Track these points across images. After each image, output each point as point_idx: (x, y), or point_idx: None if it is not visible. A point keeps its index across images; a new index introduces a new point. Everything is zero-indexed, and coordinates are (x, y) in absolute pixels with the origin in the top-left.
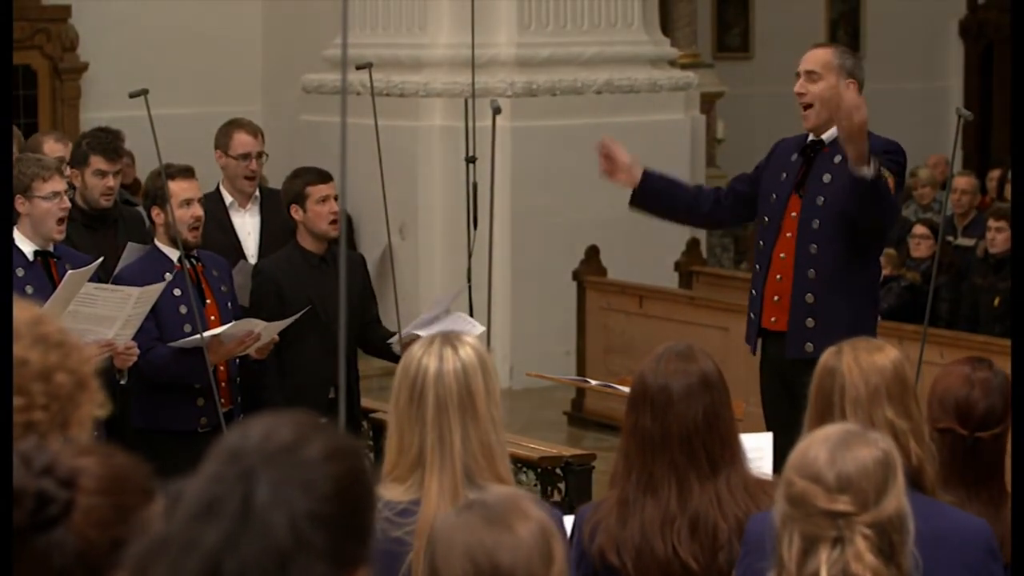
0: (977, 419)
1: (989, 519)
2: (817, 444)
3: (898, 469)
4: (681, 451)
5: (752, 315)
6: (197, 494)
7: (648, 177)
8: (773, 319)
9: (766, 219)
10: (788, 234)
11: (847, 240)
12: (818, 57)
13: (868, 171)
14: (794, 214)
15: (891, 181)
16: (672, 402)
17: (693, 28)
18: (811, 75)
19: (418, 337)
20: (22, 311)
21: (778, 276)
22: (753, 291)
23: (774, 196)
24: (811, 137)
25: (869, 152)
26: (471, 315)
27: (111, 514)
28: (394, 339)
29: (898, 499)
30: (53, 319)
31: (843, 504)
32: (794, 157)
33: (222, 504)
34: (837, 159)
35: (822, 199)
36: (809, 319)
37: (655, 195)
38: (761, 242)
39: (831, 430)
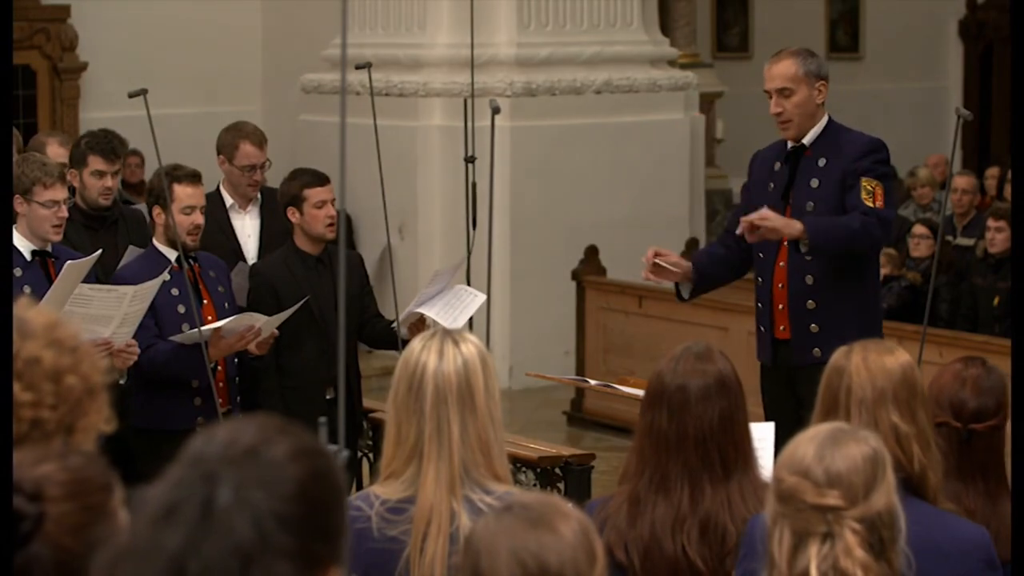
0: (970, 414)
1: (985, 512)
2: (806, 442)
3: (887, 466)
4: (696, 452)
5: (762, 328)
6: (159, 499)
7: (700, 277)
8: (782, 327)
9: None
10: (785, 243)
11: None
12: (784, 72)
13: (803, 247)
14: None
15: (879, 191)
16: (689, 403)
17: (692, 28)
18: (783, 92)
19: (422, 316)
20: (40, 314)
21: (780, 285)
22: (759, 304)
23: (766, 207)
24: (791, 144)
25: (803, 227)
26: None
27: (82, 517)
28: (396, 323)
29: (887, 495)
30: (71, 326)
31: (832, 498)
32: (778, 166)
33: (183, 508)
34: (822, 162)
35: (811, 204)
36: (812, 325)
37: (706, 282)
38: (760, 254)
39: (820, 428)
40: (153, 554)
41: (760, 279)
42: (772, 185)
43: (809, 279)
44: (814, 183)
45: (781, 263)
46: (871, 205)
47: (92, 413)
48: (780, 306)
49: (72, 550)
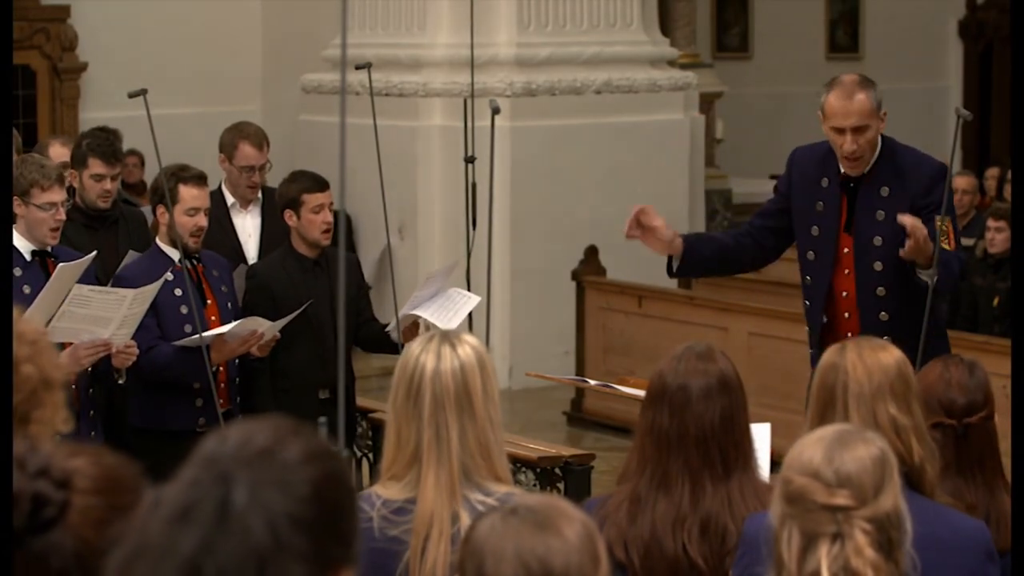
0: (961, 410)
1: (984, 502)
2: (813, 444)
3: (894, 467)
4: (696, 451)
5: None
6: (174, 499)
7: (689, 248)
8: None
9: (811, 254)
10: (846, 271)
11: (913, 275)
12: (862, 109)
13: (930, 275)
14: (847, 250)
15: (951, 231)
16: (690, 402)
17: (692, 28)
18: (860, 129)
19: (417, 318)
20: None
21: (846, 314)
22: (810, 325)
23: (816, 229)
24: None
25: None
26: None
27: (107, 514)
28: (391, 326)
29: (895, 496)
30: (34, 321)
31: (842, 498)
32: (826, 182)
33: (199, 509)
34: (885, 191)
35: (880, 239)
36: None
37: (699, 264)
38: (808, 277)
39: (826, 431)
40: (168, 555)
41: (808, 302)
42: (822, 205)
43: (883, 315)
44: (880, 215)
45: (844, 292)
46: (946, 247)
47: (48, 406)
48: (848, 335)
49: (93, 544)
